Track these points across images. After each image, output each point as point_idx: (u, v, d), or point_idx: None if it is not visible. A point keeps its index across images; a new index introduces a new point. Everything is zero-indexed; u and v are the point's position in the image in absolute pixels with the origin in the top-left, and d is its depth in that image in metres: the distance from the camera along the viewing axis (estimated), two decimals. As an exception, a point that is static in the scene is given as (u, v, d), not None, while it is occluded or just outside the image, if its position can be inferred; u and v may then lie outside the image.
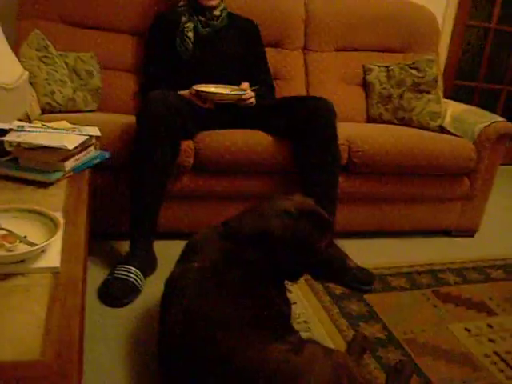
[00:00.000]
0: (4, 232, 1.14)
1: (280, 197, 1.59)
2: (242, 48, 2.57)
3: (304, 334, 1.70)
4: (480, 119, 2.65)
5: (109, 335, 1.67)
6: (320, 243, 1.53)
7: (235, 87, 2.30)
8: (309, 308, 1.95)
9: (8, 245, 1.10)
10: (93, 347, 1.60)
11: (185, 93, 2.25)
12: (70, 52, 2.52)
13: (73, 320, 0.94)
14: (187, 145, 2.18)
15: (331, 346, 1.70)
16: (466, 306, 2.07)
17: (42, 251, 1.11)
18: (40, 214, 1.25)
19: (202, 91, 2.19)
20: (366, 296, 2.07)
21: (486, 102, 4.15)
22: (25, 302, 0.96)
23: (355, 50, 3.09)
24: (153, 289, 1.95)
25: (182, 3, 2.52)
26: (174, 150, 2.07)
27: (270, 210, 1.52)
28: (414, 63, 2.93)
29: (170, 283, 1.47)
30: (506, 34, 4.14)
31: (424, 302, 2.07)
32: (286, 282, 1.59)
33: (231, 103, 2.26)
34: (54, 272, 1.07)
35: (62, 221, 1.21)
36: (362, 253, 2.45)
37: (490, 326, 1.95)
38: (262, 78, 2.59)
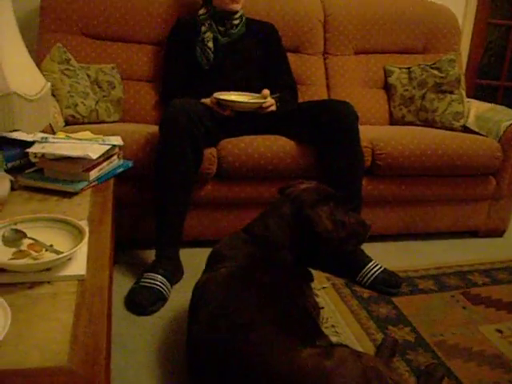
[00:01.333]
0: (30, 241, 1.16)
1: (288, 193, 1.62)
2: (261, 53, 2.57)
3: (332, 339, 1.68)
4: (505, 117, 2.61)
5: (136, 344, 1.67)
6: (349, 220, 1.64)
7: (256, 95, 2.30)
8: (336, 312, 1.93)
9: (34, 253, 1.11)
10: (120, 356, 1.60)
11: (206, 101, 2.26)
12: (92, 64, 2.56)
13: (99, 327, 0.94)
14: (210, 152, 2.18)
15: (360, 349, 1.68)
16: (497, 307, 2.03)
17: (68, 259, 1.12)
18: (66, 223, 1.26)
19: (222, 99, 2.20)
20: (393, 299, 2.04)
21: (510, 101, 4.09)
22: (51, 310, 0.97)
23: (375, 52, 3.08)
24: (179, 297, 1.95)
25: (201, 12, 2.54)
26: (197, 158, 2.07)
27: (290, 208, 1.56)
28: (435, 63, 2.90)
29: (197, 291, 1.47)
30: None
31: (453, 304, 2.03)
32: (313, 286, 1.59)
33: (252, 111, 2.26)
34: (80, 280, 1.08)
35: (87, 229, 1.21)
36: (388, 256, 2.43)
37: (522, 326, 1.91)
38: (283, 81, 2.59)
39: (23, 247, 1.15)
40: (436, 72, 2.87)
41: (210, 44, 2.46)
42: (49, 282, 1.06)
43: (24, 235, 1.18)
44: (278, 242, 1.52)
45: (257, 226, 1.57)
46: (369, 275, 2.11)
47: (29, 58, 1.37)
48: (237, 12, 2.49)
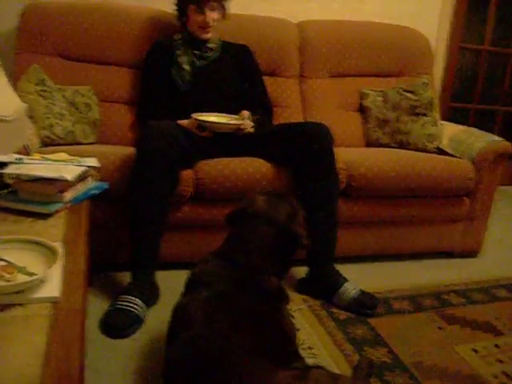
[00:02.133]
0: (3, 263, 1.14)
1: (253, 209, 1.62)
2: (237, 75, 2.62)
3: (309, 361, 1.68)
4: (478, 139, 2.66)
5: (112, 367, 1.65)
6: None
7: (234, 116, 2.33)
8: (313, 334, 1.93)
9: (7, 275, 1.09)
10: (95, 380, 1.58)
11: (183, 122, 2.27)
12: (69, 85, 2.55)
13: (73, 350, 0.93)
14: (187, 174, 2.18)
15: (337, 371, 1.68)
16: (472, 327, 2.05)
17: (42, 281, 1.10)
18: (39, 244, 1.24)
19: (201, 120, 2.21)
20: (370, 320, 2.04)
21: (483, 124, 4.17)
22: (24, 333, 0.95)
23: (350, 75, 3.13)
24: (156, 320, 1.93)
25: (176, 37, 2.58)
26: (173, 180, 2.07)
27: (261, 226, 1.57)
28: (409, 87, 2.95)
29: (178, 313, 1.45)
30: (500, 55, 4.19)
31: (429, 325, 2.05)
32: (289, 307, 1.58)
33: (230, 132, 2.28)
34: (54, 302, 1.06)
35: (61, 251, 1.20)
36: (364, 277, 2.44)
37: (497, 346, 1.92)
38: (260, 101, 2.64)
39: (-5, 269, 1.13)
40: (410, 95, 2.92)
41: (186, 66, 2.50)
42: (21, 305, 1.04)
43: (-3, 257, 1.16)
44: (262, 267, 1.52)
45: (237, 253, 1.53)
46: (345, 296, 2.11)
47: (4, 78, 1.37)
48: (209, 39, 2.53)
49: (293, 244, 1.61)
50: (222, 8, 2.52)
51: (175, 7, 2.57)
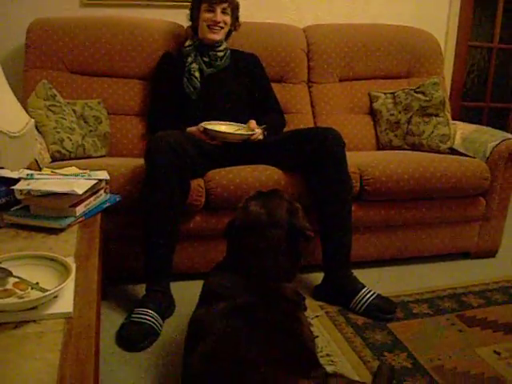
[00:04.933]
0: (16, 279, 1.14)
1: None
2: (246, 83, 2.63)
3: (328, 368, 1.65)
4: (491, 138, 2.63)
5: (128, 380, 1.64)
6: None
7: (243, 125, 2.33)
8: (331, 341, 1.90)
9: (20, 292, 1.09)
10: (112, 394, 1.57)
11: (192, 129, 2.27)
12: (78, 100, 2.57)
13: (87, 366, 0.92)
14: (198, 184, 2.17)
15: (357, 378, 1.65)
16: (493, 329, 2.01)
17: (55, 297, 1.09)
18: (51, 259, 1.24)
19: (211, 130, 2.21)
20: (388, 325, 2.02)
21: (495, 122, 4.13)
22: (37, 350, 0.94)
23: (359, 78, 3.11)
24: (171, 331, 1.92)
25: (187, 43, 2.61)
26: (184, 189, 2.06)
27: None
28: (419, 87, 2.93)
29: (194, 325, 1.44)
30: (509, 52, 4.15)
31: (449, 327, 2.01)
32: (306, 314, 1.56)
33: (239, 142, 2.28)
34: (67, 318, 1.06)
35: (73, 266, 1.19)
36: (381, 281, 2.41)
37: (519, 347, 1.89)
38: (270, 108, 2.66)
39: (8, 286, 1.12)
40: (421, 96, 2.89)
41: (197, 74, 2.52)
42: (35, 321, 1.03)
43: (9, 273, 1.16)
44: (276, 275, 1.50)
45: (247, 263, 1.52)
46: (362, 302, 2.08)
47: (11, 95, 1.37)
48: (217, 42, 2.55)
49: (299, 239, 1.59)
50: (234, 14, 2.56)
51: (188, 11, 2.60)
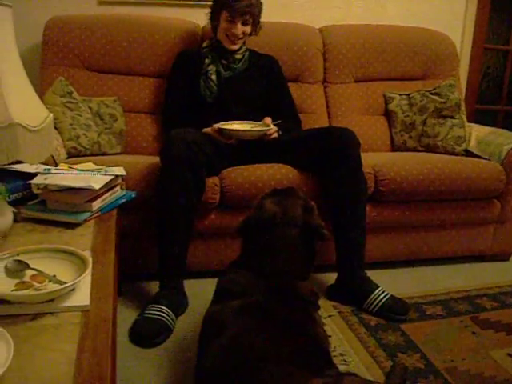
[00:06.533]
0: (33, 272, 1.15)
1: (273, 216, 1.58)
2: (264, 87, 2.60)
3: (341, 368, 1.65)
4: (506, 140, 2.61)
5: (142, 376, 1.64)
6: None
7: (258, 123, 2.32)
8: (344, 341, 1.90)
9: (37, 284, 1.10)
10: (126, 389, 1.58)
11: (207, 130, 2.26)
12: (94, 97, 2.58)
13: (104, 358, 0.92)
14: (213, 181, 2.17)
15: (369, 378, 1.65)
16: (507, 332, 2.00)
17: (72, 290, 1.10)
18: (69, 253, 1.25)
19: (226, 129, 2.20)
20: (402, 326, 2.01)
21: (510, 125, 4.09)
22: (55, 341, 0.95)
23: (375, 79, 3.10)
24: (184, 328, 1.92)
25: (205, 44, 2.58)
26: (199, 187, 2.06)
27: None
28: (434, 89, 2.92)
29: (209, 322, 1.44)
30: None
31: (462, 330, 2.00)
32: (320, 314, 1.56)
33: (255, 139, 2.27)
34: (84, 310, 1.06)
35: (90, 259, 1.20)
36: (395, 282, 2.40)
37: (533, 350, 1.87)
38: (287, 112, 2.61)
39: (26, 278, 1.14)
40: (436, 97, 2.88)
41: (214, 77, 2.48)
42: (52, 313, 1.04)
43: (27, 266, 1.17)
44: (291, 273, 1.50)
45: (263, 261, 1.52)
46: (376, 302, 2.08)
47: (31, 89, 1.38)
48: (237, 51, 2.52)
49: (314, 238, 1.59)
50: (255, 21, 2.49)
51: (208, 10, 2.55)
